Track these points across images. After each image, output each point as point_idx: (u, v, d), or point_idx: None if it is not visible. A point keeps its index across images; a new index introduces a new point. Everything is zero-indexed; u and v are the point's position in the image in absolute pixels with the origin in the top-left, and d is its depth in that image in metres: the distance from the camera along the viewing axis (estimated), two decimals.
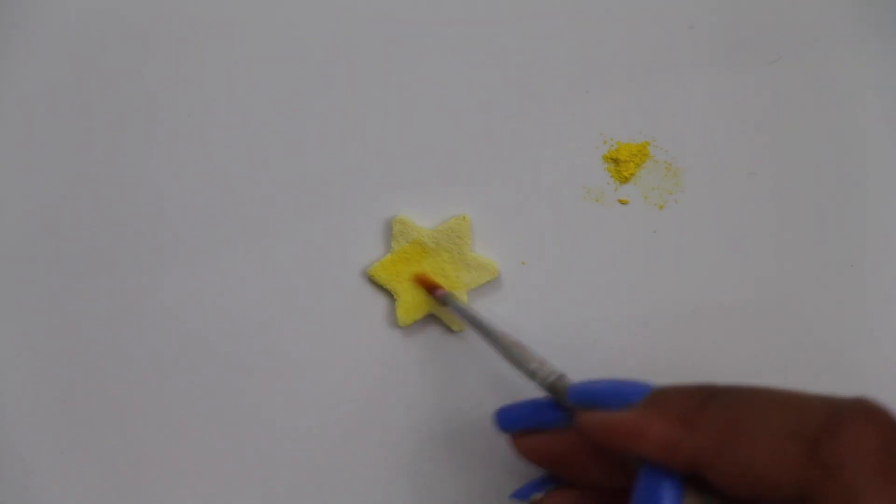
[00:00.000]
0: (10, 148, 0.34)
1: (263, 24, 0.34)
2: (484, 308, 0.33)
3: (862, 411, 0.22)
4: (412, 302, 0.33)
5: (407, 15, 0.33)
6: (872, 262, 0.33)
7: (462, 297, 0.33)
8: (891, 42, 0.33)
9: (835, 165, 0.33)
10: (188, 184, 0.34)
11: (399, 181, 0.33)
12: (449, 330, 0.33)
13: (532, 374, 0.28)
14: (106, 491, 0.33)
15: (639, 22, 0.33)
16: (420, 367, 0.33)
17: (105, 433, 0.34)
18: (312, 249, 0.33)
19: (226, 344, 0.33)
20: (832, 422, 0.22)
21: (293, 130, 0.34)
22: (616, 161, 0.33)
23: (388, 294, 0.33)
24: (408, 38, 0.33)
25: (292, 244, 0.33)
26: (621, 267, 0.33)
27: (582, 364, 0.33)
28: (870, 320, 0.33)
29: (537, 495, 0.28)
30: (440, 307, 0.32)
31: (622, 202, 0.33)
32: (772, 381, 0.32)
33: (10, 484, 0.34)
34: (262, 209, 0.33)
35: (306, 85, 0.34)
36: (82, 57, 0.34)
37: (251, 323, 0.33)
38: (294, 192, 0.33)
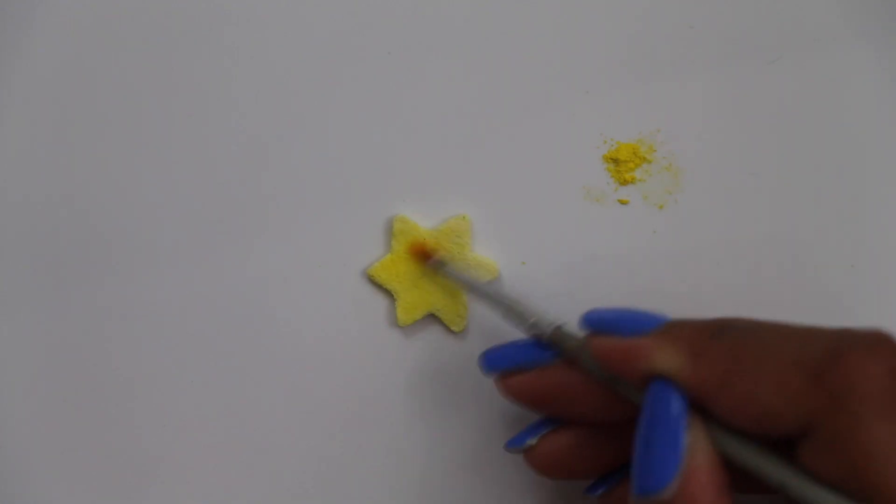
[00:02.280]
0: (10, 148, 0.34)
1: (263, 24, 0.34)
2: (485, 309, 0.33)
3: (870, 339, 0.22)
4: (412, 302, 0.33)
5: (407, 16, 0.33)
6: (872, 262, 0.33)
7: (462, 297, 0.33)
8: (891, 42, 0.33)
9: (835, 165, 0.33)
10: (188, 183, 0.34)
11: (399, 181, 0.33)
12: (449, 330, 0.33)
13: (532, 328, 0.28)
14: (106, 491, 0.33)
15: (639, 22, 0.33)
16: (420, 367, 0.33)
17: (105, 433, 0.34)
18: (312, 249, 0.33)
19: (225, 344, 0.33)
20: (838, 350, 0.21)
21: (293, 130, 0.34)
22: (616, 161, 0.33)
23: (388, 294, 0.33)
24: (407, 38, 0.33)
25: (292, 244, 0.33)
26: (621, 267, 0.33)
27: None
28: (870, 320, 0.32)
29: (531, 440, 0.28)
30: (437, 274, 0.32)
31: (622, 202, 0.33)
32: None
33: (10, 484, 0.34)
34: (262, 209, 0.33)
35: (307, 85, 0.33)
36: (82, 57, 0.34)
37: (251, 323, 0.33)
38: (294, 192, 0.33)
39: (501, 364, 0.28)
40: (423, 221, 0.33)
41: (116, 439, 0.34)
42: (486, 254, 0.33)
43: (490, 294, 0.30)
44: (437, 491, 0.33)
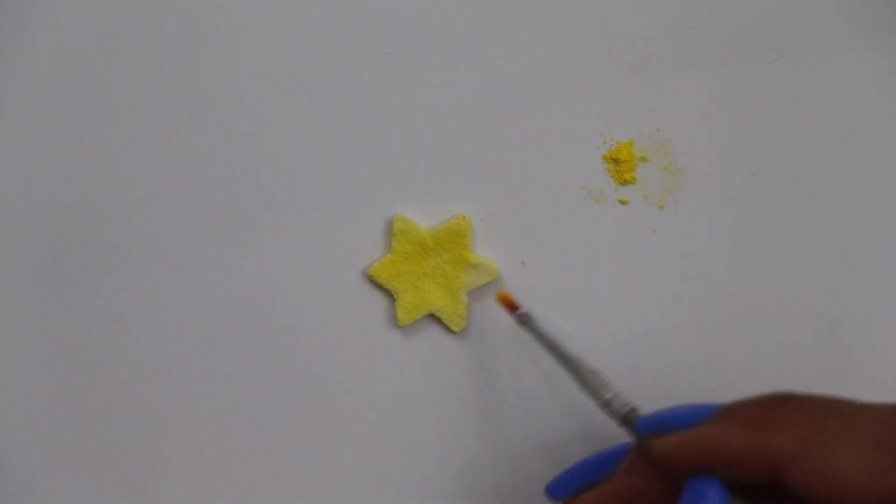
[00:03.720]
0: (11, 148, 0.34)
1: (264, 25, 0.34)
2: (485, 308, 0.33)
3: None
4: (412, 302, 0.33)
5: (407, 16, 0.33)
6: (872, 262, 0.33)
7: (462, 297, 0.33)
8: (891, 42, 0.33)
9: (835, 165, 0.33)
10: (188, 184, 0.34)
11: (399, 181, 0.33)
12: (449, 330, 0.33)
13: (606, 404, 0.28)
14: (106, 491, 0.34)
15: (639, 22, 0.33)
16: (420, 367, 0.33)
17: (105, 433, 0.34)
18: (312, 249, 0.33)
19: (225, 343, 0.33)
20: None
21: (293, 131, 0.34)
22: (616, 161, 0.33)
23: (388, 294, 0.33)
24: (408, 37, 0.33)
25: (292, 244, 0.33)
26: (621, 267, 0.33)
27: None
28: (870, 320, 0.33)
29: None
30: (521, 326, 0.32)
31: (622, 202, 0.33)
32: (771, 379, 0.32)
33: (10, 484, 0.34)
34: (263, 209, 0.33)
35: (307, 85, 0.33)
36: (82, 58, 0.34)
37: (251, 323, 0.33)
38: (294, 192, 0.33)
39: (566, 490, 0.28)
40: (423, 221, 0.33)
41: (116, 439, 0.34)
42: (486, 254, 0.33)
43: (572, 360, 0.29)
44: (437, 490, 0.33)
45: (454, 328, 0.33)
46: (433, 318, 0.33)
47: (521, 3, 0.33)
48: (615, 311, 0.33)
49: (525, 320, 0.31)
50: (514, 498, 0.33)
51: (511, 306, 0.32)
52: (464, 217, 0.33)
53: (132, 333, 0.34)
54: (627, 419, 0.27)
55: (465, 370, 0.33)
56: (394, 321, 0.33)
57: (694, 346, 0.33)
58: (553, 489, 0.28)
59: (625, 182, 0.33)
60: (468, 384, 0.33)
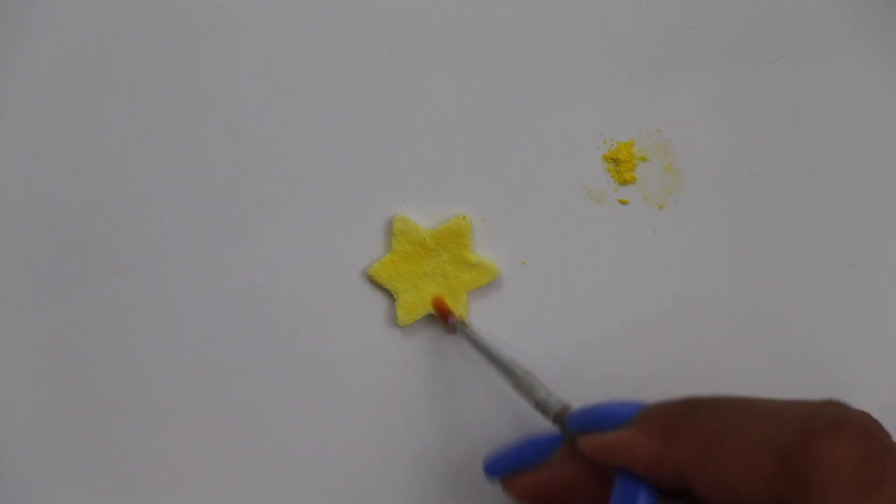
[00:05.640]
0: (11, 148, 0.34)
1: (264, 25, 0.34)
2: (485, 309, 0.33)
3: (836, 421, 0.22)
4: (412, 302, 0.33)
5: (407, 15, 0.33)
6: (872, 262, 0.33)
7: (462, 297, 0.33)
8: (891, 42, 0.33)
9: (835, 165, 0.33)
10: (187, 183, 0.34)
11: (399, 181, 0.33)
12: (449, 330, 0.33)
13: (539, 403, 0.28)
14: (106, 491, 0.34)
15: (639, 22, 0.33)
16: (420, 367, 0.33)
17: (105, 433, 0.34)
18: (312, 249, 0.33)
19: (225, 344, 0.33)
20: (805, 433, 0.22)
21: (293, 130, 0.34)
22: (616, 161, 0.33)
23: (388, 294, 0.33)
24: (408, 38, 0.33)
25: (292, 244, 0.33)
26: (621, 267, 0.33)
27: (581, 364, 0.33)
28: (870, 320, 0.33)
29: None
30: (452, 334, 0.33)
31: (622, 202, 0.33)
32: (771, 380, 0.32)
33: (10, 484, 0.34)
34: (262, 209, 0.33)
35: (307, 85, 0.33)
36: (82, 58, 0.34)
37: (251, 323, 0.33)
38: (294, 192, 0.33)
39: (502, 468, 0.28)
40: (423, 221, 0.33)
41: (117, 439, 0.34)
42: (486, 254, 0.33)
43: (504, 362, 0.30)
44: (436, 490, 0.33)
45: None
46: (433, 318, 0.33)
47: (521, 4, 0.33)
48: (615, 311, 0.33)
49: (459, 327, 0.32)
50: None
51: (444, 312, 0.32)
52: (464, 217, 0.33)
53: (132, 333, 0.34)
54: (559, 417, 0.27)
55: (465, 370, 0.33)
56: (394, 321, 0.33)
57: (694, 345, 0.33)
58: (490, 466, 0.29)
59: (625, 182, 0.33)
60: (468, 384, 0.33)
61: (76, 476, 0.33)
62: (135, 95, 0.34)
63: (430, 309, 0.33)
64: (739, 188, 0.33)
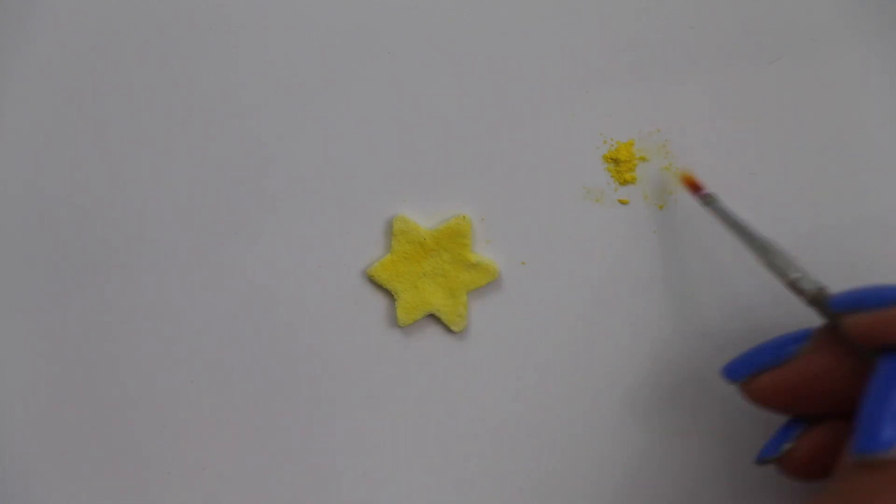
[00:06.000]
0: (11, 147, 0.34)
1: (264, 25, 0.34)
2: (485, 309, 0.33)
3: None
4: (412, 302, 0.33)
5: (407, 15, 0.33)
6: (872, 262, 0.33)
7: (462, 296, 0.33)
8: (891, 42, 0.33)
9: (835, 165, 0.33)
10: (188, 183, 0.34)
11: (399, 181, 0.33)
12: (449, 330, 0.33)
13: (794, 283, 0.28)
14: (106, 491, 0.33)
15: (639, 22, 0.33)
16: (420, 367, 0.33)
17: (105, 433, 0.34)
18: (312, 249, 0.33)
19: (225, 343, 0.33)
20: None
21: (293, 130, 0.34)
22: (616, 161, 0.33)
23: (388, 294, 0.33)
24: (408, 38, 0.33)
25: (292, 244, 0.33)
26: (621, 267, 0.33)
27: (581, 364, 0.33)
28: None
29: (786, 445, 0.27)
30: (705, 206, 0.31)
31: (622, 202, 0.33)
32: None
33: (10, 484, 0.34)
34: (262, 209, 0.33)
35: (307, 85, 0.33)
36: (83, 57, 0.34)
37: (251, 323, 0.33)
38: (294, 192, 0.33)
39: (745, 370, 0.28)
40: (423, 221, 0.33)
41: (117, 439, 0.34)
42: (486, 254, 0.33)
43: (758, 238, 0.29)
44: (436, 491, 0.33)
45: (454, 328, 0.33)
46: (433, 318, 0.33)
47: (521, 4, 0.33)
48: (615, 311, 0.33)
49: (709, 201, 0.31)
50: (514, 497, 0.33)
51: (694, 187, 0.32)
52: (464, 217, 0.33)
53: (132, 333, 0.34)
54: (817, 298, 0.27)
55: (466, 370, 0.33)
56: (394, 321, 0.33)
57: (694, 346, 0.33)
58: (731, 370, 0.28)
59: (625, 182, 0.33)
60: (468, 384, 0.33)
61: (76, 476, 0.33)
62: (135, 95, 0.34)
63: (429, 309, 0.33)
64: (739, 188, 0.33)
